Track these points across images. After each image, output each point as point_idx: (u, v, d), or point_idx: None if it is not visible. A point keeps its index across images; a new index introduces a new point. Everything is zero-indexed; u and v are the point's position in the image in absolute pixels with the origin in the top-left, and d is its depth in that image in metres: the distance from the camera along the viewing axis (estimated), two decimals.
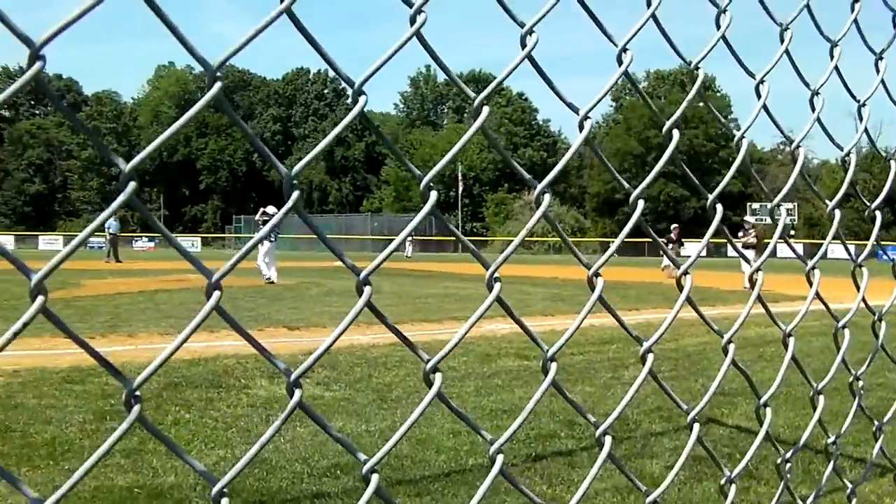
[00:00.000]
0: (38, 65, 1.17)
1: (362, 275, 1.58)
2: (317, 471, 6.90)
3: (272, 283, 27.99)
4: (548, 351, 1.92)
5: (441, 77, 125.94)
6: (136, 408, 1.35)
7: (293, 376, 1.52)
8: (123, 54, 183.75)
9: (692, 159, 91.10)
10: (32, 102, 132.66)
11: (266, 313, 17.80)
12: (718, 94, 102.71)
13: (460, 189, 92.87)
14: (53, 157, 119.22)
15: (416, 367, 11.41)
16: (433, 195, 1.68)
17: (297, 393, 1.53)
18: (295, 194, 1.38)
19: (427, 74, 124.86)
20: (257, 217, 31.61)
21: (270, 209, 28.86)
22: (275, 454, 7.26)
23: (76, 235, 1.22)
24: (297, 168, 1.44)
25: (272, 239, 29.18)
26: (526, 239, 1.95)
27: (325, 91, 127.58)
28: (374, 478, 1.66)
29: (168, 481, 6.50)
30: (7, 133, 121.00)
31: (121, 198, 1.20)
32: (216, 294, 1.41)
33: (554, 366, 1.94)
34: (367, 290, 1.56)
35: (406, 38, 1.53)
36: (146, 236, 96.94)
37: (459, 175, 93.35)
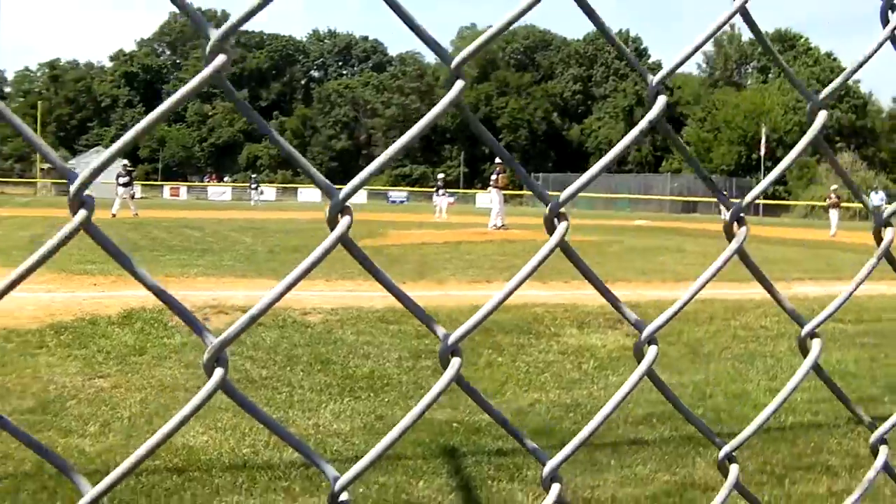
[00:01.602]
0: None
1: (732, 209, 1.42)
2: (633, 419, 6.84)
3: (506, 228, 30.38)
4: None
5: (745, 36, 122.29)
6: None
7: (645, 333, 1.38)
8: (428, 16, 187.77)
9: None
10: (340, 63, 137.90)
11: (566, 267, 17.78)
12: None
13: (762, 151, 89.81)
14: (359, 114, 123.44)
15: (726, 324, 11.16)
16: None
17: (652, 350, 1.41)
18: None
19: (731, 34, 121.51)
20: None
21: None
22: (589, 400, 7.24)
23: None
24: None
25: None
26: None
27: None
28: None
29: (485, 419, 6.58)
30: (316, 92, 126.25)
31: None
32: (563, 225, 1.28)
33: None
34: (742, 230, 1.41)
35: None
36: (449, 191, 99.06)
37: (763, 136, 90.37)
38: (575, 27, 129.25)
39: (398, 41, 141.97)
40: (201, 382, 3.97)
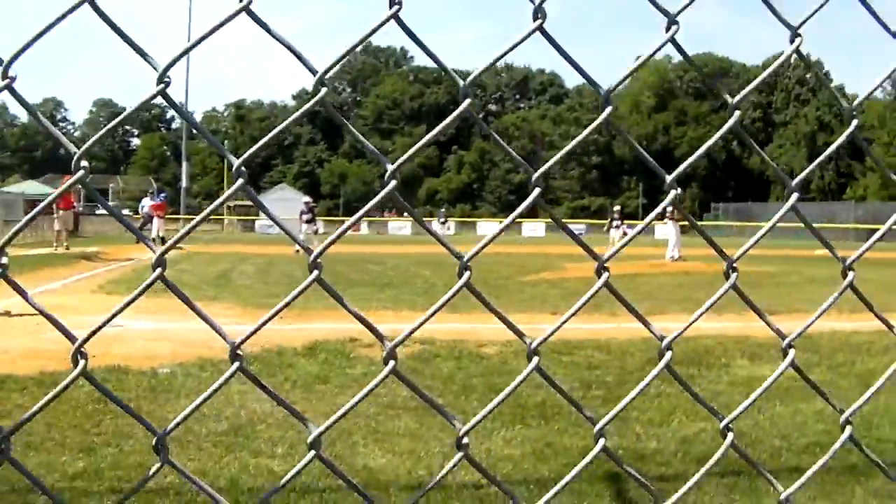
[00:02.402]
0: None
1: (848, 262, 1.72)
2: (795, 447, 6.98)
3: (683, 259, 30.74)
4: None
5: None
6: (667, 356, 1.59)
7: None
8: (605, 48, 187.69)
9: None
10: (518, 97, 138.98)
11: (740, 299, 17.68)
12: None
13: None
14: (536, 147, 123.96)
15: None
16: None
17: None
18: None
19: None
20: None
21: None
22: (754, 429, 7.39)
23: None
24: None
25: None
26: None
27: (808, 75, 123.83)
28: None
29: (650, 446, 6.81)
30: (493, 126, 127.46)
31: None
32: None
33: None
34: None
35: None
36: (627, 223, 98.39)
37: None
38: (754, 53, 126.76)
39: (575, 74, 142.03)
40: (381, 409, 4.57)
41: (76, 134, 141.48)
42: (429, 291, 18.92)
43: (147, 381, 8.76)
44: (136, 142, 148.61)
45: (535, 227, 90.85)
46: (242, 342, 1.51)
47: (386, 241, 59.31)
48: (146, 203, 47.19)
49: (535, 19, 1.67)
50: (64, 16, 1.36)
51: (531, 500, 5.55)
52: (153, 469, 1.57)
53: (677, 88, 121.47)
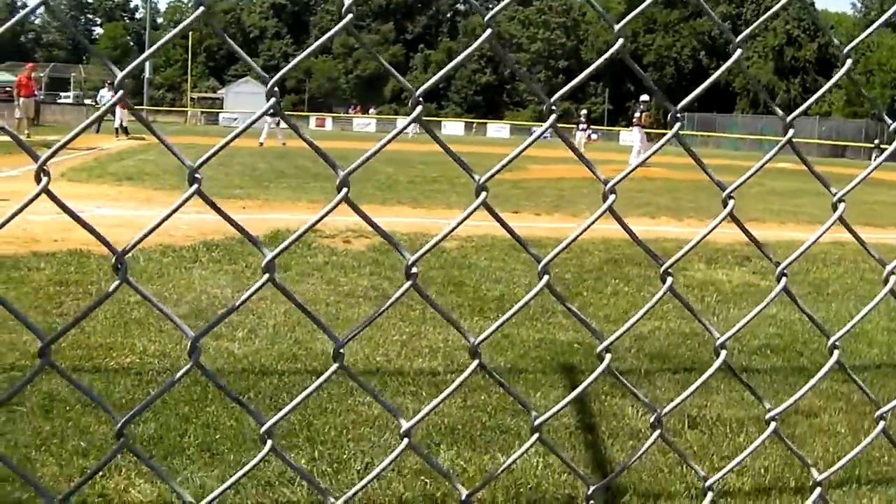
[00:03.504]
0: None
1: (838, 195, 1.75)
2: (747, 349, 7.11)
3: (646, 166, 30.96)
4: None
5: None
6: (668, 280, 1.61)
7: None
8: None
9: None
10: None
11: (707, 206, 17.88)
12: None
13: None
14: (504, 49, 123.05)
15: (855, 265, 11.21)
16: None
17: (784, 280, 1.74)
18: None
19: None
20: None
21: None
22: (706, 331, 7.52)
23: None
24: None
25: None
26: None
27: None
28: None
29: None
30: (461, 26, 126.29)
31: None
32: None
33: None
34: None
35: None
36: (593, 128, 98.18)
37: None
38: None
39: None
40: (341, 298, 4.66)
41: (37, 21, 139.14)
42: (392, 187, 19.01)
43: (109, 265, 8.76)
44: (98, 31, 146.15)
45: (500, 129, 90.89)
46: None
47: (350, 138, 58.94)
48: (105, 94, 46.47)
49: None
50: None
51: (486, 387, 5.66)
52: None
53: None
